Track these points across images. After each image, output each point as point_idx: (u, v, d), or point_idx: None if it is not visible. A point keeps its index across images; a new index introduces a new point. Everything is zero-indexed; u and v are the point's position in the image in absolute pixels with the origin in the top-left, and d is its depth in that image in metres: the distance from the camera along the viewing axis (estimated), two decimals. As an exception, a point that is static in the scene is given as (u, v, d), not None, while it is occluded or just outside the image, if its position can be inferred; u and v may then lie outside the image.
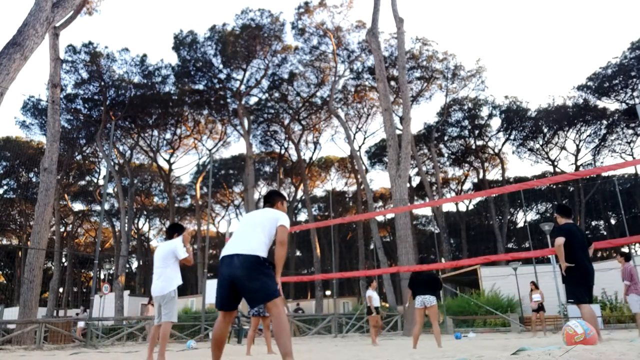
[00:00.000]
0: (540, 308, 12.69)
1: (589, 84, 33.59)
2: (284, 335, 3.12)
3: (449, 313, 18.89)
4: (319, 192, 45.25)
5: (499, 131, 37.94)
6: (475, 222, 46.75)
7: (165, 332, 5.02)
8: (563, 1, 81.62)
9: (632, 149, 34.93)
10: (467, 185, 43.38)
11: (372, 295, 10.44)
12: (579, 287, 5.45)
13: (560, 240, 5.46)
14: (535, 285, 13.23)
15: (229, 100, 32.85)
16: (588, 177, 35.51)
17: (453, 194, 43.55)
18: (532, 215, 45.34)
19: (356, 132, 35.82)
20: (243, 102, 31.93)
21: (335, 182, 44.27)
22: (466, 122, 37.37)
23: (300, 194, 41.81)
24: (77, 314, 31.34)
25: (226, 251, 3.39)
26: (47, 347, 10.99)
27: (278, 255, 3.47)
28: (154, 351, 5.19)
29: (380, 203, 45.55)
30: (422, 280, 7.77)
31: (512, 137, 38.18)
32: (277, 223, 3.52)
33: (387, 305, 24.40)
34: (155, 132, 35.15)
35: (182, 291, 44.85)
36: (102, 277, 44.84)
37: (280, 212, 3.65)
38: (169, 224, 5.61)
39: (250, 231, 3.47)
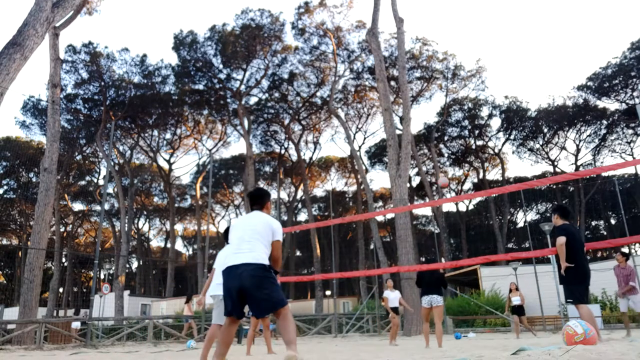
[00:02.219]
0: (519, 311, 11.50)
1: (589, 84, 33.58)
2: (291, 328, 3.26)
3: (449, 313, 18.89)
4: (319, 192, 45.29)
5: (499, 131, 37.96)
6: (475, 222, 46.74)
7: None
8: (563, 1, 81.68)
9: (632, 149, 34.95)
10: (467, 185, 43.40)
11: (388, 296, 10.21)
12: (578, 286, 5.46)
13: (563, 240, 5.48)
14: (515, 287, 12.10)
15: (229, 100, 32.86)
16: (588, 177, 35.51)
17: (453, 194, 43.54)
18: (532, 215, 45.35)
19: (356, 132, 35.85)
20: (243, 102, 31.94)
21: (335, 182, 44.32)
22: (466, 122, 37.37)
23: (300, 194, 41.82)
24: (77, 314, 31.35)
25: (231, 261, 3.40)
26: (47, 347, 10.99)
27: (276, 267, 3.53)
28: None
29: (380, 203, 45.54)
30: (428, 279, 7.81)
31: (512, 137, 38.19)
32: (273, 237, 3.53)
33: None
34: (155, 132, 35.16)
35: (182, 291, 44.95)
36: (102, 277, 44.84)
37: (275, 223, 3.60)
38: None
39: (252, 240, 3.46)
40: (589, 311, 5.31)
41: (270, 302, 3.26)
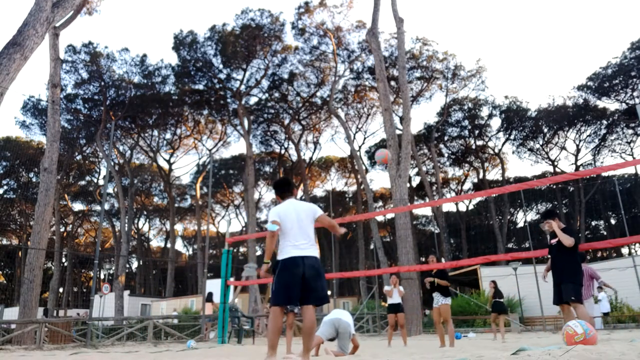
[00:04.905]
0: (497, 307, 10.47)
1: (589, 84, 33.57)
2: (313, 333, 3.81)
3: (449, 313, 18.86)
4: (319, 192, 45.26)
5: (499, 131, 37.95)
6: (475, 222, 46.70)
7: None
8: (563, 1, 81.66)
9: (632, 149, 34.94)
10: (467, 185, 43.38)
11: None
12: (580, 286, 5.54)
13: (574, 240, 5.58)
14: (494, 285, 11.19)
15: (229, 100, 32.84)
16: (588, 177, 35.48)
17: (453, 194, 43.53)
18: (532, 215, 45.30)
19: (356, 132, 35.84)
20: (243, 102, 31.91)
21: (335, 182, 44.31)
22: (466, 122, 37.35)
23: (300, 194, 41.79)
24: (78, 314, 31.37)
25: (292, 253, 3.82)
26: (47, 347, 10.99)
27: (340, 232, 4.19)
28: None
29: (380, 203, 45.52)
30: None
31: (512, 137, 38.17)
32: (315, 216, 4.02)
33: (387, 305, 24.39)
34: (155, 132, 35.15)
35: (182, 291, 44.94)
36: (102, 277, 44.83)
37: (312, 205, 4.09)
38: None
39: (306, 231, 3.93)
40: (586, 310, 5.44)
41: (322, 293, 3.77)
